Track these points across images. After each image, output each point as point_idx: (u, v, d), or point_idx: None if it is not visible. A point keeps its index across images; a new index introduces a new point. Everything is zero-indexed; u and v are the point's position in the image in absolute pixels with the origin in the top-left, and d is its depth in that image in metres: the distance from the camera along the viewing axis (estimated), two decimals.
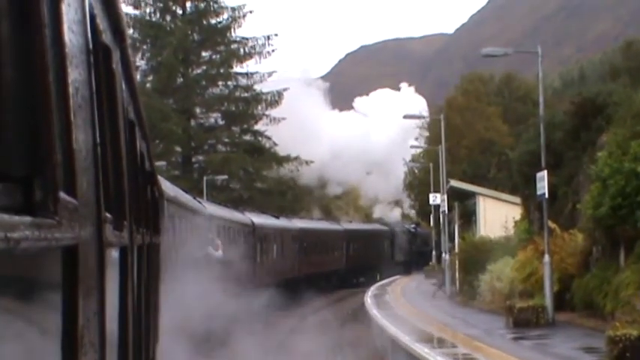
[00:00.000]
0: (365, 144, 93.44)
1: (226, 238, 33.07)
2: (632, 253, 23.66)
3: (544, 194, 25.22)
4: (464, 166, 68.22)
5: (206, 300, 28.97)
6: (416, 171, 76.84)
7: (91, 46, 2.66)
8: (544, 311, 25.16)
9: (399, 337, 24.24)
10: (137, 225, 5.15)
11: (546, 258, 25.40)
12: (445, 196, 39.51)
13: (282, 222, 51.60)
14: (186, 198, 25.69)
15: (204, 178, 59.94)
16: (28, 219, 1.71)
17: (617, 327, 17.77)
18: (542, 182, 25.21)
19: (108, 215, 3.00)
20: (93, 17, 2.79)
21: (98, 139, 2.73)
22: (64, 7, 2.14)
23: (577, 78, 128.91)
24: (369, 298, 41.18)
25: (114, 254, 3.55)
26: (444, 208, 39.33)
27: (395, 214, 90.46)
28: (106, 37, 3.29)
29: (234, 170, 69.57)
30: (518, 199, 43.15)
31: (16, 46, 1.79)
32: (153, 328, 7.53)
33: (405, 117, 49.19)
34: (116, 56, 3.78)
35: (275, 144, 73.65)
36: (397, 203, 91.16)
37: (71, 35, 2.25)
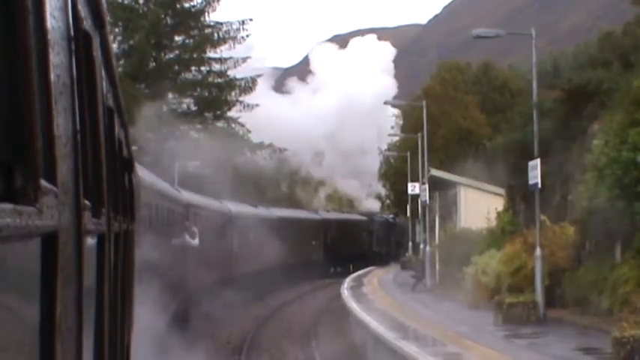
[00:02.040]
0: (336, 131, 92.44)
1: (203, 227, 32.43)
2: (630, 248, 22.47)
3: (536, 184, 23.98)
4: (440, 155, 67.04)
5: (180, 286, 28.15)
6: (392, 160, 75.57)
7: (72, 32, 2.67)
8: (535, 307, 23.95)
9: (381, 333, 22.93)
10: (115, 212, 5.16)
11: (538, 251, 24.18)
12: (426, 186, 38.20)
13: (260, 211, 51.37)
14: (163, 185, 25.13)
15: (176, 164, 58.51)
16: (9, 206, 1.72)
17: (624, 328, 16.54)
18: (535, 171, 23.97)
19: (87, 202, 3.01)
20: (74, 3, 2.80)
21: (78, 126, 2.72)
22: None
23: (551, 69, 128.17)
24: (345, 290, 39.87)
25: (91, 241, 3.51)
26: (425, 197, 38.03)
27: (372, 204, 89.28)
28: (87, 24, 3.28)
29: (206, 157, 68.22)
30: (500, 190, 41.97)
31: None
32: (128, 315, 7.55)
33: (385, 103, 47.97)
34: (96, 43, 3.77)
35: (249, 131, 72.56)
36: (377, 197, 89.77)
37: (53, 22, 2.26)
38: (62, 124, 2.34)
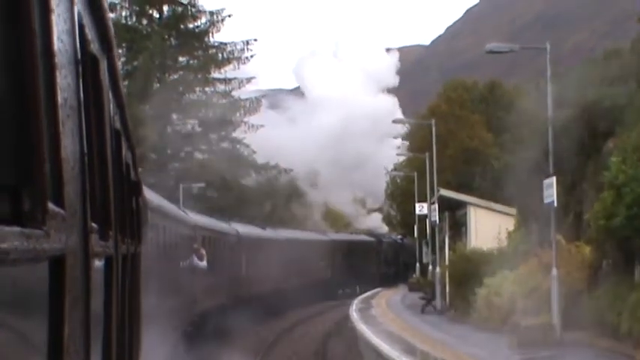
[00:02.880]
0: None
1: (211, 249, 32.38)
2: None
3: (552, 202, 23.29)
4: (447, 175, 66.36)
5: (188, 308, 27.71)
6: (398, 180, 74.81)
7: (79, 55, 2.68)
8: (551, 330, 23.20)
9: (394, 357, 22.21)
10: (122, 235, 5.13)
11: (554, 272, 23.47)
12: (436, 205, 37.49)
13: (268, 232, 51.09)
14: (170, 208, 25.15)
15: (181, 186, 58.00)
16: (16, 229, 1.73)
17: None
18: (550, 190, 23.29)
19: (94, 225, 3.03)
20: (81, 27, 2.82)
21: (85, 149, 2.73)
22: (54, 18, 2.15)
23: (556, 88, 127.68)
24: (354, 312, 39.13)
25: (99, 264, 3.49)
26: (435, 217, 37.32)
27: (374, 222, 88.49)
28: (94, 47, 3.32)
29: (210, 178, 67.72)
30: (511, 210, 41.28)
31: (6, 55, 1.83)
32: (135, 337, 7.49)
33: (394, 121, 47.38)
34: (103, 66, 3.78)
35: (254, 151, 72.10)
36: (379, 210, 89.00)
37: (60, 45, 2.27)
38: (70, 146, 2.35)
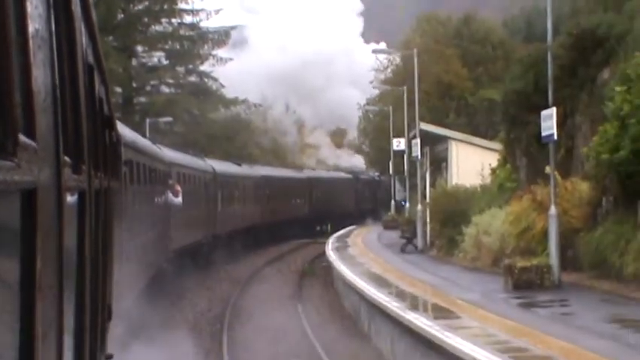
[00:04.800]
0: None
1: (187, 186, 32.22)
2: None
3: (552, 135, 21.66)
4: (422, 110, 64.63)
5: (163, 244, 28.14)
6: (371, 116, 73.00)
7: None
8: (549, 271, 21.74)
9: (382, 302, 20.69)
10: (95, 169, 5.14)
11: (552, 210, 21.93)
12: (418, 140, 35.80)
13: (244, 169, 50.74)
14: (144, 143, 24.70)
15: (147, 121, 56.13)
16: None
17: None
18: (550, 121, 21.63)
19: (67, 159, 3.02)
20: None
21: (57, 82, 2.71)
22: None
23: (524, 26, 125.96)
24: (331, 252, 37.61)
25: (72, 198, 3.48)
26: (417, 152, 35.64)
27: (354, 161, 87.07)
28: None
29: (178, 113, 65.86)
30: (494, 145, 39.79)
31: None
32: (109, 273, 7.44)
33: (374, 52, 45.54)
34: None
35: (222, 85, 70.27)
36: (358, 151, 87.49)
37: None
38: (41, 78, 2.31)
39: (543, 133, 22.10)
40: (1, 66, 1.82)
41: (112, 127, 8.89)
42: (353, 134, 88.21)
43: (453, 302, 19.76)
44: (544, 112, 22.10)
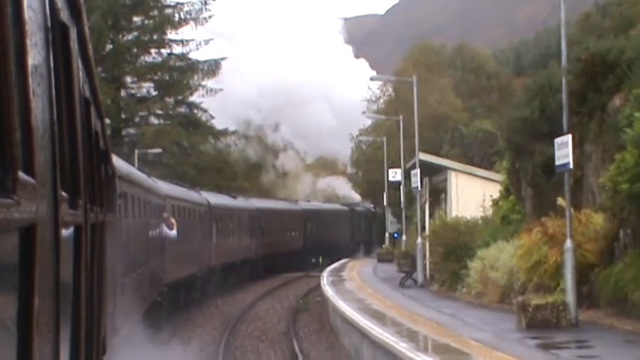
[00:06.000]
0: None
1: (182, 218, 32.22)
2: None
3: (568, 164, 20.41)
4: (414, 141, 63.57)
5: (158, 277, 27.86)
6: (363, 147, 71.80)
7: (49, 23, 2.67)
8: (565, 309, 20.42)
9: (389, 342, 19.34)
10: (91, 203, 5.16)
11: (568, 243, 20.67)
12: (417, 170, 34.55)
13: (239, 202, 50.93)
14: (139, 176, 24.47)
15: (136, 152, 54.96)
16: None
17: None
18: (565, 149, 20.41)
19: (64, 194, 3.02)
20: None
21: (55, 118, 2.72)
22: None
23: (513, 58, 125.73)
24: (326, 286, 36.25)
25: (68, 232, 3.47)
26: (417, 183, 34.38)
27: (339, 185, 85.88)
28: (64, 15, 3.27)
29: (167, 144, 64.69)
30: (495, 175, 38.63)
31: None
32: (103, 306, 7.27)
33: (371, 79, 44.40)
34: (73, 34, 3.77)
35: (212, 117, 69.25)
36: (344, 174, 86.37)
37: (31, 13, 2.24)
38: (40, 115, 2.34)
39: (557, 162, 20.88)
40: (2, 105, 1.83)
41: (107, 160, 8.97)
42: (343, 161, 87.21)
43: (465, 342, 18.42)
44: (558, 140, 20.90)
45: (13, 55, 1.91)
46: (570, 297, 20.50)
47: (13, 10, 1.94)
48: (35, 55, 2.27)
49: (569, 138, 20.47)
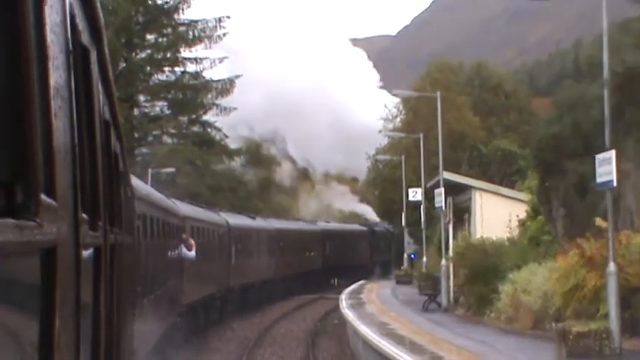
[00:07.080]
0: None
1: (201, 239, 32.03)
2: None
3: (611, 182, 19.11)
4: (434, 160, 62.32)
5: (177, 298, 27.47)
6: (380, 166, 70.48)
7: (70, 46, 2.67)
8: (609, 337, 19.08)
9: None
10: (111, 225, 5.15)
11: (611, 267, 19.33)
12: (442, 189, 33.27)
13: (258, 222, 50.59)
14: (158, 197, 24.46)
15: (149, 172, 53.94)
16: (10, 221, 1.73)
17: None
18: (608, 166, 19.10)
19: (84, 216, 3.03)
20: (72, 17, 2.80)
21: (76, 140, 2.72)
22: (47, 9, 2.14)
23: (527, 79, 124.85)
24: (346, 309, 34.90)
25: (88, 254, 3.45)
26: (441, 202, 33.10)
27: (363, 209, 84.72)
28: (85, 38, 3.30)
29: (180, 163, 63.69)
30: (520, 195, 37.32)
31: (1, 47, 1.80)
32: (123, 327, 7.23)
33: (393, 94, 43.20)
34: (93, 56, 3.79)
35: (226, 136, 68.28)
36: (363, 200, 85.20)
37: (53, 37, 2.25)
38: (61, 138, 2.35)
39: (599, 179, 19.59)
40: (24, 129, 1.83)
41: (127, 182, 8.96)
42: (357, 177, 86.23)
43: None
44: (599, 156, 19.62)
45: (36, 77, 1.92)
46: (614, 324, 19.15)
47: (35, 32, 1.96)
48: (57, 78, 2.29)
49: (612, 154, 19.18)
